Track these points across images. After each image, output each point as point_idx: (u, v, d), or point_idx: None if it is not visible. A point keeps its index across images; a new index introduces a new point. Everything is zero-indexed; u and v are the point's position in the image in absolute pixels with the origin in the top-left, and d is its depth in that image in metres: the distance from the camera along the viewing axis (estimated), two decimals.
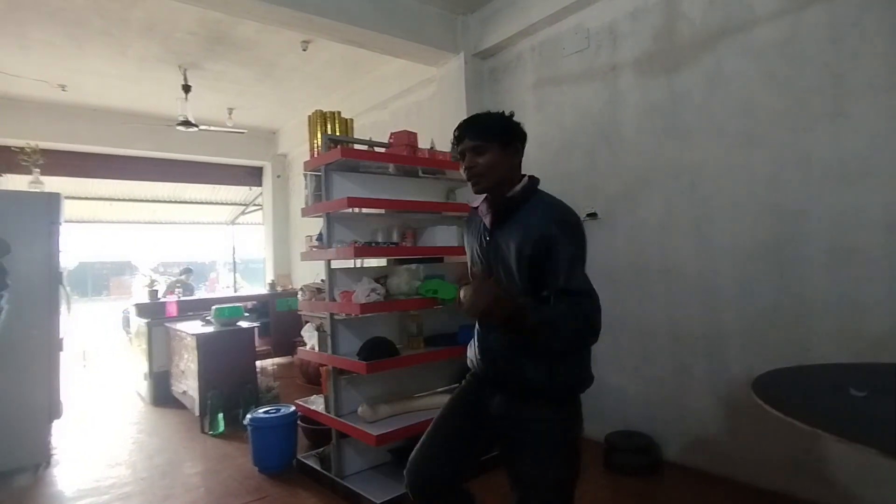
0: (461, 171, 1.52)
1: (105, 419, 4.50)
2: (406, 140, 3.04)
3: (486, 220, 1.50)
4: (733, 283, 2.77)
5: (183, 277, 6.47)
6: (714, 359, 2.85)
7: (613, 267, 3.28)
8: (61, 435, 3.93)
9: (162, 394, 4.77)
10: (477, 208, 1.56)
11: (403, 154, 3.01)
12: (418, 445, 1.61)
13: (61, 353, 3.53)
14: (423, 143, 3.19)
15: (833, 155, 2.41)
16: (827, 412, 1.27)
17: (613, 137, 3.31)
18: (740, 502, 2.60)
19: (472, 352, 1.60)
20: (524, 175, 1.51)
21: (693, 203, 2.93)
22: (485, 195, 1.52)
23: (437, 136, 3.60)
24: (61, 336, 3.53)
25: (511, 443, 1.45)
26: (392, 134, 3.12)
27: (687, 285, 2.96)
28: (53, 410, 3.46)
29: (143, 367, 4.95)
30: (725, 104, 2.79)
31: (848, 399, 1.32)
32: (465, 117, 1.54)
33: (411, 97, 5.12)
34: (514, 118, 1.51)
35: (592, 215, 3.36)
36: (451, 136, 1.53)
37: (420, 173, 3.30)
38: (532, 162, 3.76)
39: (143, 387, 5.01)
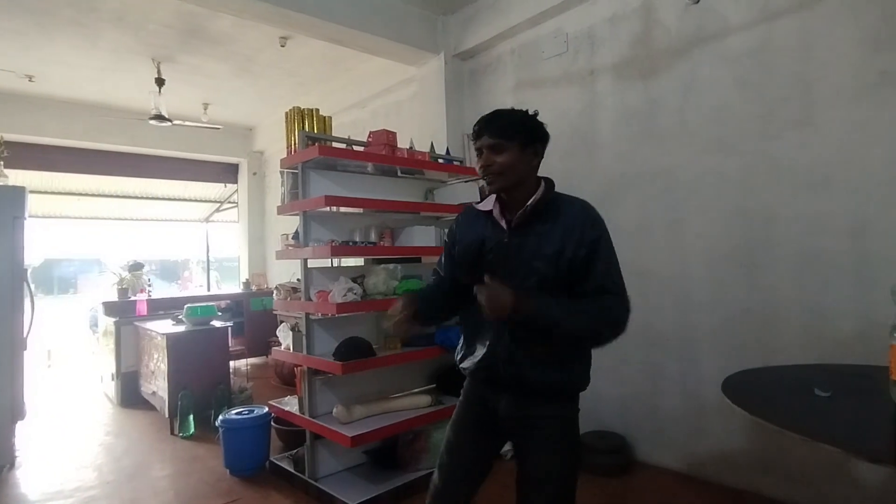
0: (477, 168, 1.48)
1: (70, 420, 4.36)
2: (385, 139, 3.02)
3: (502, 221, 1.47)
4: (705, 286, 2.83)
5: (128, 276, 5.59)
6: (686, 359, 2.90)
7: None
8: (25, 437, 3.80)
9: (130, 394, 4.65)
10: (481, 210, 1.53)
11: (382, 153, 2.99)
12: (437, 469, 1.60)
13: (25, 353, 3.41)
14: (402, 143, 3.17)
15: (801, 162, 2.49)
16: (793, 412, 1.31)
17: (591, 141, 3.35)
18: (710, 501, 2.65)
19: (472, 356, 1.54)
20: (540, 177, 1.48)
21: (667, 206, 2.99)
22: (494, 196, 1.49)
23: (416, 135, 3.59)
24: (25, 335, 3.41)
25: (523, 441, 1.49)
26: (371, 133, 3.10)
27: (660, 287, 3.01)
28: (17, 411, 3.35)
29: (111, 367, 4.81)
30: (699, 110, 2.84)
31: (813, 399, 1.36)
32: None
33: (391, 96, 5.09)
34: (538, 118, 1.47)
35: None
36: (471, 130, 1.49)
37: (399, 173, 3.29)
38: None
39: (111, 387, 4.87)
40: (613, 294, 1.40)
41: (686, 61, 2.89)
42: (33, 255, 3.65)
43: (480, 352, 1.50)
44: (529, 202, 1.42)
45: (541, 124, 1.47)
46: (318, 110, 3.01)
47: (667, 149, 2.98)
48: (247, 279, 7.15)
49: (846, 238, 2.35)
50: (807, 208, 2.47)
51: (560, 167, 3.46)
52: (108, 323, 4.94)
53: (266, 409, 3.17)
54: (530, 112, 1.47)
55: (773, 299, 2.57)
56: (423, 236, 3.13)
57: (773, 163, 2.57)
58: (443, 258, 1.70)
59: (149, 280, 6.06)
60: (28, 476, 3.22)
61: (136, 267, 5.71)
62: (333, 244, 2.75)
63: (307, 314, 2.84)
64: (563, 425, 1.48)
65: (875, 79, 2.27)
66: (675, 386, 2.95)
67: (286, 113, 2.99)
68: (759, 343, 2.61)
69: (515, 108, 1.47)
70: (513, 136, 1.40)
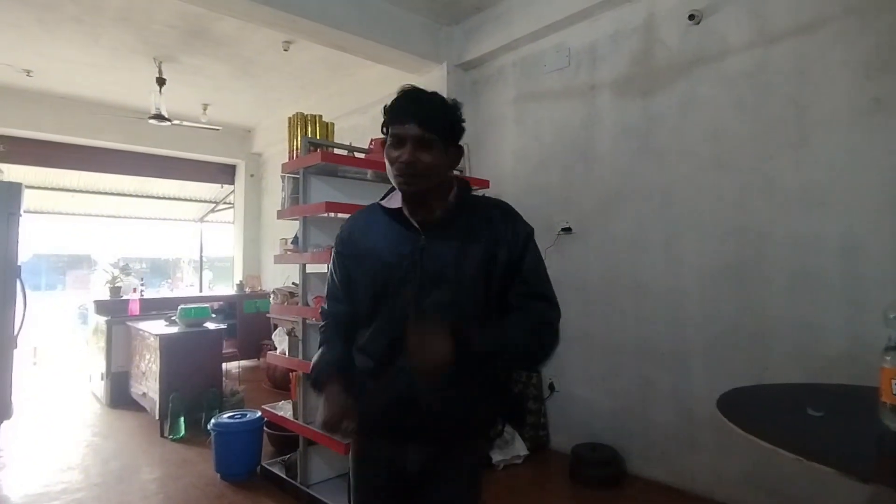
0: (387, 159, 1.20)
1: (57, 420, 4.31)
2: None
3: (415, 223, 1.24)
4: (698, 301, 2.86)
5: (120, 274, 5.44)
6: (678, 374, 2.93)
7: (585, 281, 3.35)
8: (10, 437, 3.75)
9: (119, 395, 4.60)
10: (389, 209, 1.28)
11: (384, 161, 3.00)
12: None
13: (14, 351, 3.38)
14: None
15: (795, 182, 2.53)
16: (786, 431, 1.33)
17: (589, 154, 3.39)
18: None
19: (365, 404, 1.24)
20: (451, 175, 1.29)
21: (663, 222, 3.03)
22: (397, 192, 1.26)
23: None
24: (15, 333, 3.38)
25: (438, 483, 1.26)
26: (373, 140, 3.12)
27: (655, 302, 3.05)
28: (3, 411, 3.31)
29: (101, 366, 4.76)
30: (697, 128, 2.89)
31: (806, 418, 1.38)
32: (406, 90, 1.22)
33: None
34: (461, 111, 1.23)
35: (567, 230, 3.42)
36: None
37: None
38: (510, 174, 3.84)
39: (100, 387, 4.82)
40: (546, 300, 1.24)
41: (685, 80, 2.95)
42: (25, 250, 3.61)
43: (375, 398, 1.23)
44: (451, 198, 1.24)
45: (463, 119, 1.23)
46: (321, 116, 3.03)
47: (664, 165, 3.02)
48: (240, 281, 7.12)
49: (838, 259, 2.40)
50: (800, 228, 2.51)
51: (559, 180, 3.51)
52: (98, 321, 4.90)
53: (259, 413, 3.16)
54: (453, 102, 1.22)
55: (766, 317, 2.61)
56: None
57: (768, 183, 2.62)
58: (335, 281, 1.35)
59: (141, 279, 6.03)
60: (13, 477, 3.18)
61: (125, 270, 5.67)
62: (332, 250, 2.75)
63: (304, 319, 2.84)
64: (479, 456, 1.34)
65: (868, 105, 2.33)
66: (668, 400, 2.98)
67: (289, 118, 3.01)
68: (750, 359, 2.65)
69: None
70: (444, 131, 1.17)
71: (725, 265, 2.76)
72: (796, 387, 1.94)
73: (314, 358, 1.35)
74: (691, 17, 2.86)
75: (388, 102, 1.23)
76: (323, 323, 1.41)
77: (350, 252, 1.34)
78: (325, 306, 1.42)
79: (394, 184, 1.23)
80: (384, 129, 1.22)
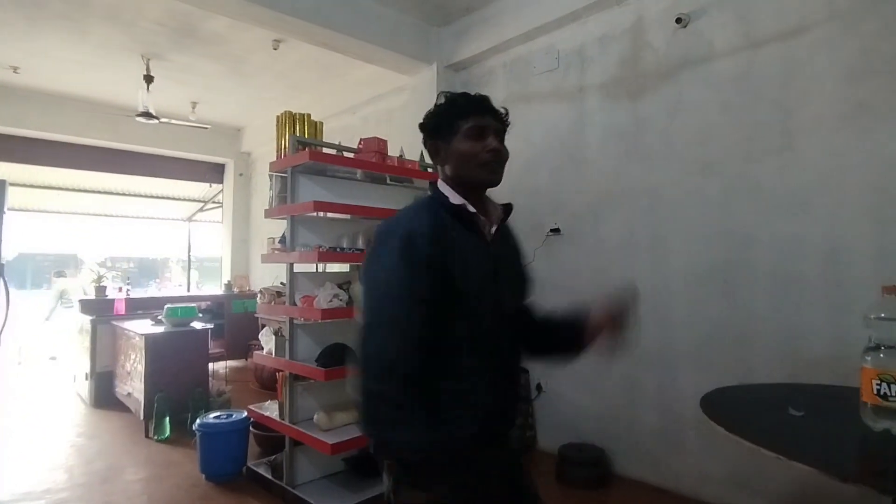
0: (480, 150, 1.13)
1: (41, 420, 4.25)
2: (376, 147, 3.04)
3: (489, 228, 1.19)
4: (685, 303, 2.88)
5: (106, 273, 5.50)
6: (664, 374, 2.95)
7: (575, 282, 3.36)
8: None
9: (104, 395, 4.54)
10: (465, 209, 1.14)
11: (372, 160, 3.00)
12: None
13: None
14: (392, 151, 3.19)
15: (780, 186, 2.56)
16: (768, 430, 1.34)
17: (579, 157, 3.40)
18: None
19: (484, 412, 1.09)
20: None
21: (651, 224, 3.04)
22: (461, 197, 1.16)
23: (406, 144, 3.61)
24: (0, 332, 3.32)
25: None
26: (362, 140, 3.11)
27: (642, 303, 3.05)
28: None
29: (85, 366, 4.70)
30: (684, 132, 2.92)
31: (787, 418, 1.40)
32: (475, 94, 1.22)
33: (382, 104, 5.12)
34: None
35: (555, 231, 3.43)
36: (463, 102, 1.16)
37: (388, 181, 3.30)
38: None
39: (84, 387, 4.76)
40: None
41: (673, 83, 2.97)
42: (8, 249, 3.56)
43: (491, 403, 1.11)
44: (502, 204, 1.24)
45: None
46: (309, 115, 3.02)
47: (652, 168, 3.04)
48: (229, 281, 7.07)
49: (821, 262, 2.43)
50: (784, 231, 2.54)
51: (548, 182, 3.52)
52: (83, 321, 4.83)
53: (245, 413, 3.13)
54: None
55: (750, 318, 2.64)
56: None
57: (754, 186, 2.65)
58: (407, 304, 1.01)
59: (127, 279, 5.97)
60: None
61: (106, 265, 5.64)
62: (320, 249, 2.74)
63: (291, 319, 2.83)
64: None
65: (852, 109, 2.36)
66: (654, 400, 2.99)
67: (277, 116, 2.99)
68: (735, 360, 2.67)
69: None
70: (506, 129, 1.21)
71: (711, 267, 2.79)
72: (779, 387, 1.96)
73: (399, 439, 0.99)
74: (678, 20, 2.88)
75: (441, 102, 1.20)
76: (382, 384, 0.98)
77: (439, 265, 1.04)
78: (387, 351, 0.99)
79: (470, 176, 1.16)
80: (446, 125, 1.17)
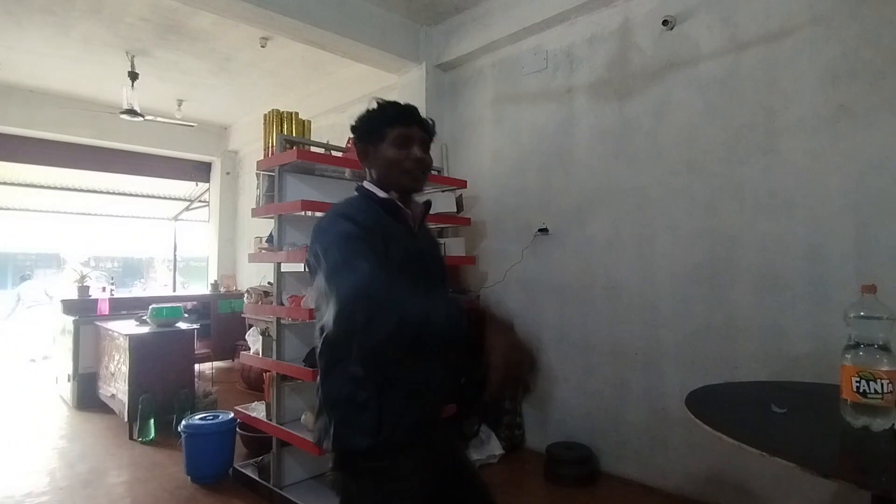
0: (400, 155, 1.23)
1: (22, 422, 4.18)
2: None
3: (412, 221, 1.30)
4: (671, 302, 2.91)
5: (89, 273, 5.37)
6: (650, 374, 2.98)
7: (561, 281, 3.38)
8: None
9: (87, 397, 4.48)
10: (394, 202, 1.26)
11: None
12: None
13: None
14: None
15: (763, 187, 2.60)
16: (750, 427, 1.36)
17: (567, 157, 3.42)
18: None
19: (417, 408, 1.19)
20: None
21: (637, 224, 3.07)
22: (389, 194, 1.26)
23: None
24: None
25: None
26: (350, 138, 3.09)
27: (629, 302, 3.09)
28: None
29: (68, 367, 4.63)
30: (670, 132, 2.95)
31: (770, 415, 1.42)
32: (404, 103, 1.29)
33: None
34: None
35: (543, 230, 3.45)
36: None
37: None
38: (488, 175, 3.85)
39: (67, 389, 4.69)
40: None
41: (659, 85, 3.00)
42: None
43: (433, 394, 1.24)
44: (423, 202, 1.36)
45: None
46: (297, 114, 3.00)
47: (639, 168, 3.07)
48: (215, 280, 7.00)
49: (801, 261, 2.47)
50: (767, 231, 2.58)
51: (536, 181, 3.54)
52: (66, 321, 4.75)
53: (231, 414, 3.10)
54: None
55: (734, 317, 2.67)
56: None
57: (738, 186, 2.68)
58: (364, 250, 1.08)
59: (111, 278, 5.88)
60: None
61: (89, 265, 5.53)
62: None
63: (278, 319, 2.81)
64: None
65: (834, 111, 2.40)
66: (641, 399, 3.02)
67: (265, 115, 2.97)
68: (719, 358, 2.70)
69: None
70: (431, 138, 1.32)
71: (697, 266, 2.82)
72: (762, 384, 1.99)
73: (407, 315, 1.01)
74: (665, 22, 2.91)
75: (373, 108, 1.29)
76: (365, 299, 1.00)
77: (379, 238, 1.14)
78: (363, 282, 1.01)
79: (393, 181, 1.26)
80: (375, 131, 1.26)
